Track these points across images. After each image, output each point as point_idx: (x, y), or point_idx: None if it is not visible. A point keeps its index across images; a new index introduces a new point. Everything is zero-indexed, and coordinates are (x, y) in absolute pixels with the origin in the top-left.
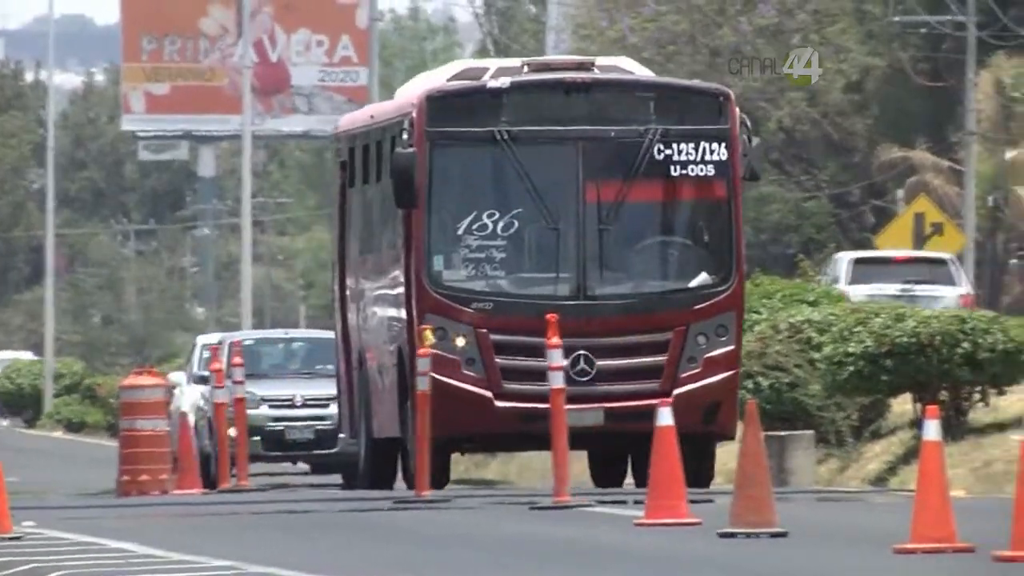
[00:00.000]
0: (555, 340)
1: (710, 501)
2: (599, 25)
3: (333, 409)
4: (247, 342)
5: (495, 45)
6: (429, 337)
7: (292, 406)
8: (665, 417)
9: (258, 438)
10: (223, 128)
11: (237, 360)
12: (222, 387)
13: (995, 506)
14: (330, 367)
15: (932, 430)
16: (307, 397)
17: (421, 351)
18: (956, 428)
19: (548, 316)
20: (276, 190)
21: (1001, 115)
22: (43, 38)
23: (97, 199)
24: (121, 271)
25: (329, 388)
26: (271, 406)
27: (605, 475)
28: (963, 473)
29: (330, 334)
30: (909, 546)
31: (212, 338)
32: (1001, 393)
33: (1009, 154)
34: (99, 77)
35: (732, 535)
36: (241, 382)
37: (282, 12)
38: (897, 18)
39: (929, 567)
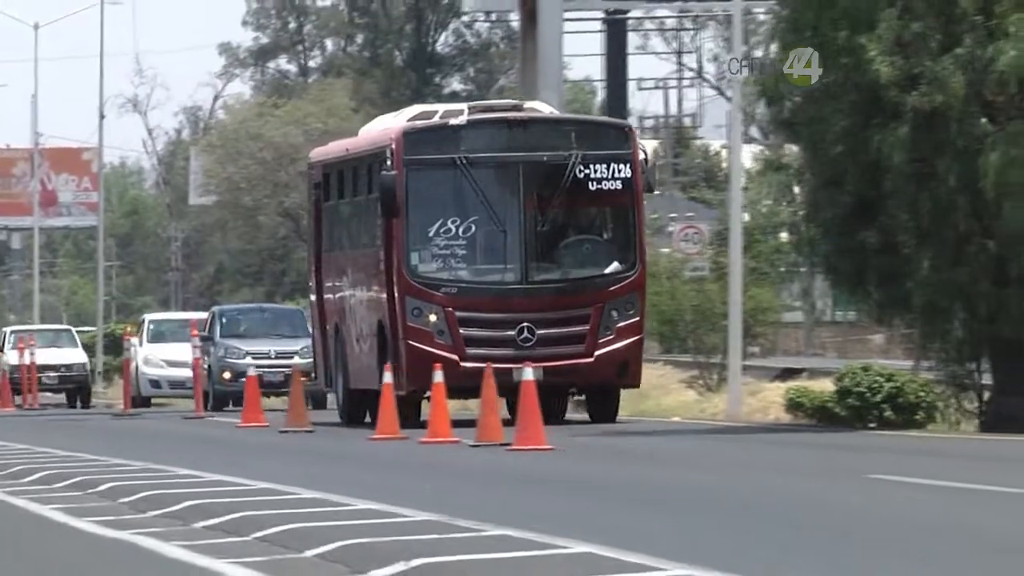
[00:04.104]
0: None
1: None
2: (218, 171)
3: (296, 360)
4: (232, 312)
5: (164, 181)
6: None
7: (268, 357)
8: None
9: (243, 380)
10: (24, 224)
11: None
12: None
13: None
14: (287, 330)
15: (387, 377)
16: (278, 351)
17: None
18: None
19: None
20: (52, 255)
21: None
22: None
23: None
24: None
25: (292, 345)
26: (253, 357)
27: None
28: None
29: (290, 307)
30: (376, 436)
31: (157, 315)
32: None
33: None
34: None
35: (286, 432)
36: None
37: (53, 164)
38: None
39: (384, 446)
